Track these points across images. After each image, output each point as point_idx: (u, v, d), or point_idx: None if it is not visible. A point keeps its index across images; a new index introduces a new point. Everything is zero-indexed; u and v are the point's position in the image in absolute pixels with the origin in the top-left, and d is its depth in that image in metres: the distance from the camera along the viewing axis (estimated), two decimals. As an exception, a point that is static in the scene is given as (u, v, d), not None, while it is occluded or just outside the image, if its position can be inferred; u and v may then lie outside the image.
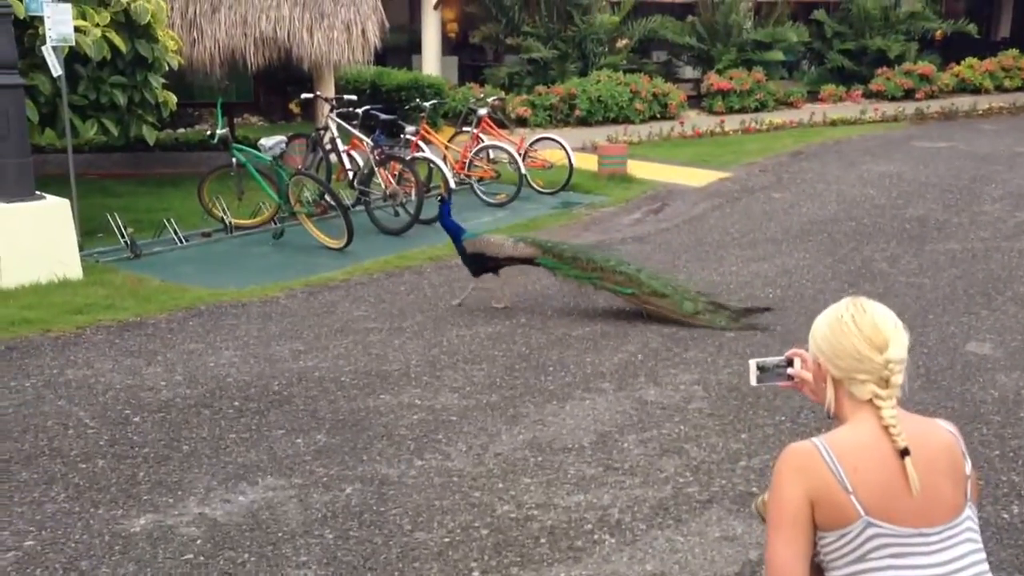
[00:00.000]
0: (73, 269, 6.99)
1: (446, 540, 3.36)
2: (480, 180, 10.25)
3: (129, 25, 8.21)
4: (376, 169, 8.92)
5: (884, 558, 1.81)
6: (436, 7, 16.85)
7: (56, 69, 7.47)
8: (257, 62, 11.68)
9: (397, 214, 8.91)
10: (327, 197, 8.46)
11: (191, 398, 4.66)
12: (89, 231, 8.22)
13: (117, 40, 7.98)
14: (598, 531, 3.45)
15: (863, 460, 1.82)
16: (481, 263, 6.25)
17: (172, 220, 8.39)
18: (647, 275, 6.06)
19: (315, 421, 4.40)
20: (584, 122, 15.19)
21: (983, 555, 1.89)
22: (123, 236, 7.91)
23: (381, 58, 15.05)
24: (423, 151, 9.71)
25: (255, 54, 11.61)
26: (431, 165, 9.45)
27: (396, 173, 9.03)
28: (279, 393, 4.75)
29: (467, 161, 10.23)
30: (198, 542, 3.29)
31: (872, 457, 1.83)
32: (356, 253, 7.96)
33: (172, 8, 11.25)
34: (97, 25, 7.92)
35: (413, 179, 8.80)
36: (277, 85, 15.85)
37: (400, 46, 17.95)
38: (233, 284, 6.90)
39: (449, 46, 18.29)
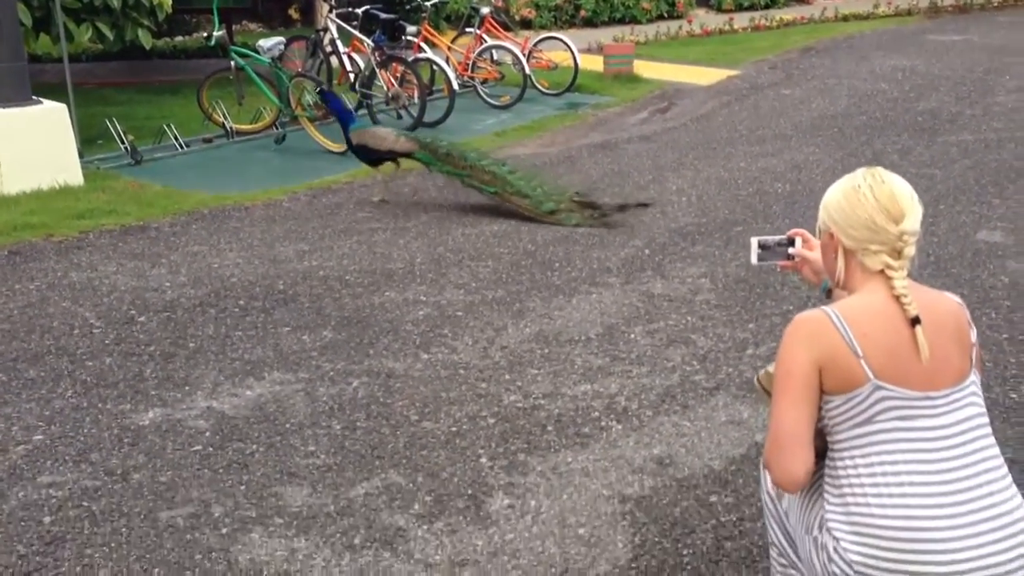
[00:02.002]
0: (74, 175, 6.92)
1: (453, 429, 3.37)
2: (484, 82, 10.05)
3: (120, -76, 7.98)
4: (377, 71, 8.74)
5: (891, 420, 1.83)
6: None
7: (46, -30, 7.27)
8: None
9: (400, 116, 8.78)
10: (328, 100, 8.31)
11: (196, 298, 4.64)
12: (89, 138, 8.12)
13: (109, -60, 7.76)
14: (605, 418, 3.45)
15: (873, 326, 1.84)
16: (366, 154, 6.46)
17: (172, 126, 8.27)
18: (517, 176, 6.15)
19: (320, 318, 4.39)
20: (590, 23, 14.84)
21: (986, 419, 1.91)
22: (123, 142, 7.81)
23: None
24: (425, 52, 9.51)
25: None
26: (434, 67, 9.26)
27: (398, 75, 8.85)
28: (284, 292, 4.74)
29: (470, 62, 10.02)
30: (206, 434, 3.31)
31: (882, 323, 1.84)
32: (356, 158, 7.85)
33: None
34: (88, -76, 7.69)
35: (415, 81, 8.63)
36: (275, -11, 15.48)
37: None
38: (236, 188, 6.83)
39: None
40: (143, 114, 9.87)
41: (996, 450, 1.87)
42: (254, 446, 3.24)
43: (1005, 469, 1.86)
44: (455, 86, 8.92)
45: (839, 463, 1.87)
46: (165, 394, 3.61)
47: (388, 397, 3.61)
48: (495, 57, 10.28)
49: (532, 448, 3.25)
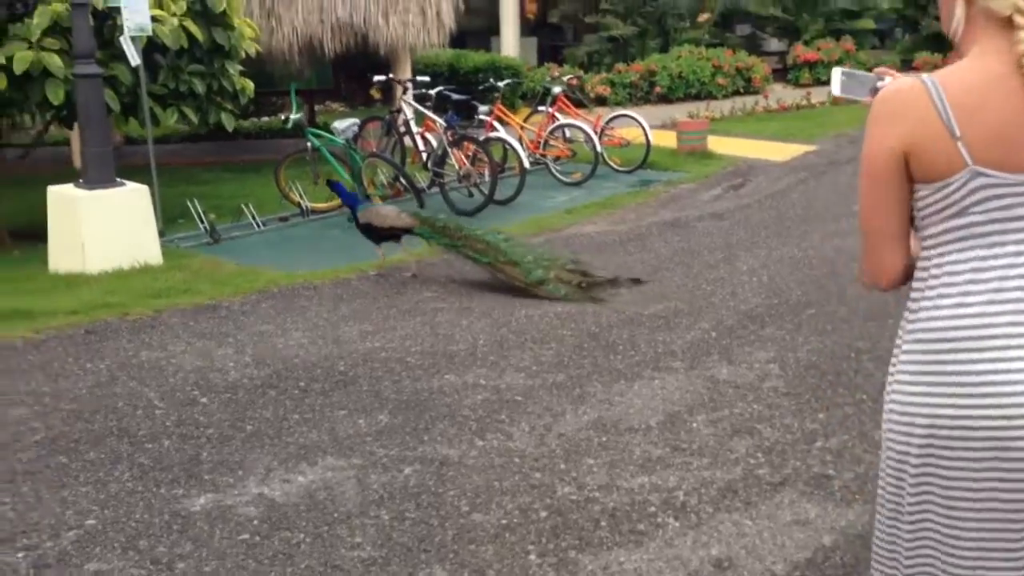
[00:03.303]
0: (153, 254, 7.12)
1: (503, 522, 3.27)
2: (556, 159, 10.11)
3: (205, 14, 8.32)
4: (449, 150, 8.87)
5: (989, 211, 1.57)
6: (513, -12, 16.71)
7: (134, 59, 7.61)
8: (334, 48, 11.78)
9: (471, 195, 8.86)
10: (401, 179, 8.46)
11: (258, 379, 4.67)
12: (172, 217, 8.39)
13: (194, 29, 8.09)
14: (662, 514, 3.32)
15: (981, 99, 1.55)
16: (372, 232, 6.67)
17: (250, 205, 8.49)
18: (511, 245, 6.25)
19: (378, 401, 4.36)
20: (665, 99, 14.92)
21: None
22: (202, 221, 8.04)
23: (460, 41, 15.03)
24: (498, 131, 9.63)
25: (332, 40, 11.72)
26: (506, 145, 9.35)
27: (470, 154, 8.97)
28: (344, 374, 4.73)
29: (542, 140, 10.10)
30: (255, 522, 3.27)
31: (993, 95, 1.55)
32: (430, 235, 7.93)
33: (251, -2, 11.42)
34: (174, 15, 8.04)
35: (487, 159, 8.72)
36: (357, 71, 15.95)
37: (479, 29, 17.89)
38: (307, 267, 6.94)
39: (528, 27, 18.15)
40: (226, 193, 10.19)
41: None
42: (301, 535, 3.19)
43: None
44: (526, 164, 8.98)
45: (924, 264, 1.64)
46: (218, 479, 3.61)
47: (440, 486, 3.53)
48: (567, 135, 10.35)
49: (584, 544, 3.13)
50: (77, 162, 9.39)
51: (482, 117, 9.52)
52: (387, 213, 6.71)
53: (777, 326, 5.30)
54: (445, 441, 3.92)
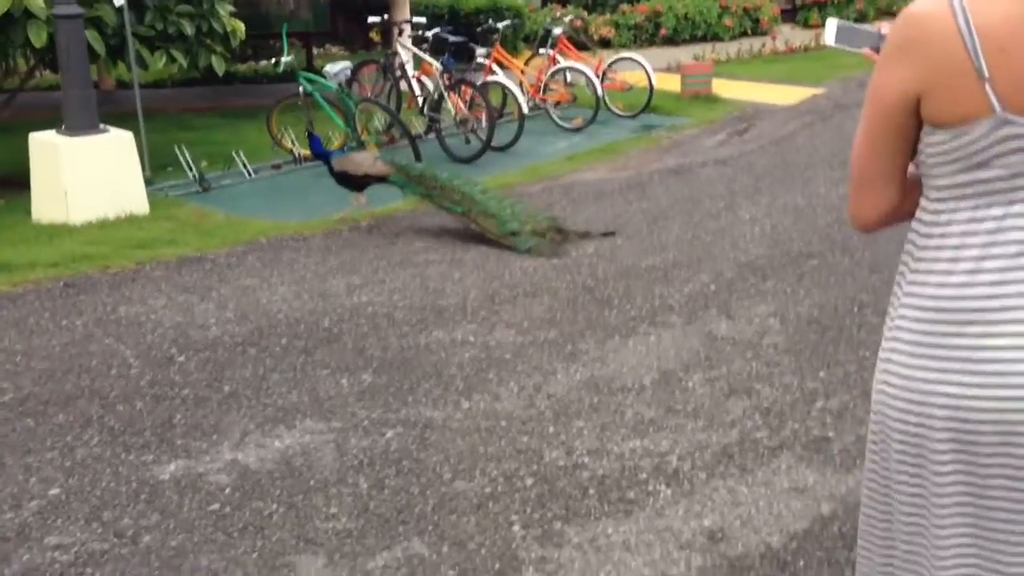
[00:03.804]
0: (139, 204, 6.92)
1: (487, 491, 3.12)
2: (556, 104, 9.82)
3: (194, -47, 8.02)
4: (446, 95, 8.60)
5: (1014, 165, 1.36)
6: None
7: (118, -1, 7.32)
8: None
9: (468, 141, 8.61)
10: (395, 126, 8.21)
11: (239, 336, 4.51)
12: (161, 165, 8.14)
13: (181, -32, 7.79)
14: (653, 481, 3.16)
15: (1015, 30, 1.32)
16: (346, 179, 6.55)
17: (242, 153, 8.26)
18: (488, 196, 6.12)
19: (362, 360, 4.20)
20: (671, 41, 14.52)
21: None
22: (191, 169, 7.82)
23: (461, -20, 14.60)
24: (496, 75, 9.34)
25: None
26: (505, 90, 9.07)
27: (467, 99, 8.69)
28: (329, 330, 4.57)
29: (542, 84, 9.80)
30: (226, 491, 3.13)
31: None
32: (425, 183, 7.71)
33: (243, -65, 11.04)
34: (160, -47, 7.74)
35: (484, 104, 8.45)
36: (355, 12, 15.55)
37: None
38: (298, 216, 6.74)
39: (530, -34, 17.63)
40: (219, 139, 9.93)
41: None
42: (274, 505, 3.05)
43: None
44: (525, 109, 8.71)
45: (931, 219, 1.44)
46: (191, 443, 3.46)
47: (422, 451, 3.38)
48: (568, 79, 10.05)
49: (570, 515, 2.98)
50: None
51: (480, 60, 9.22)
52: (361, 160, 6.56)
53: (778, 278, 5.11)
54: (430, 402, 3.76)
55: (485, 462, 3.30)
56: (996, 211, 1.39)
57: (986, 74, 1.32)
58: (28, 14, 6.99)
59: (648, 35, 14.64)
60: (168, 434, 3.53)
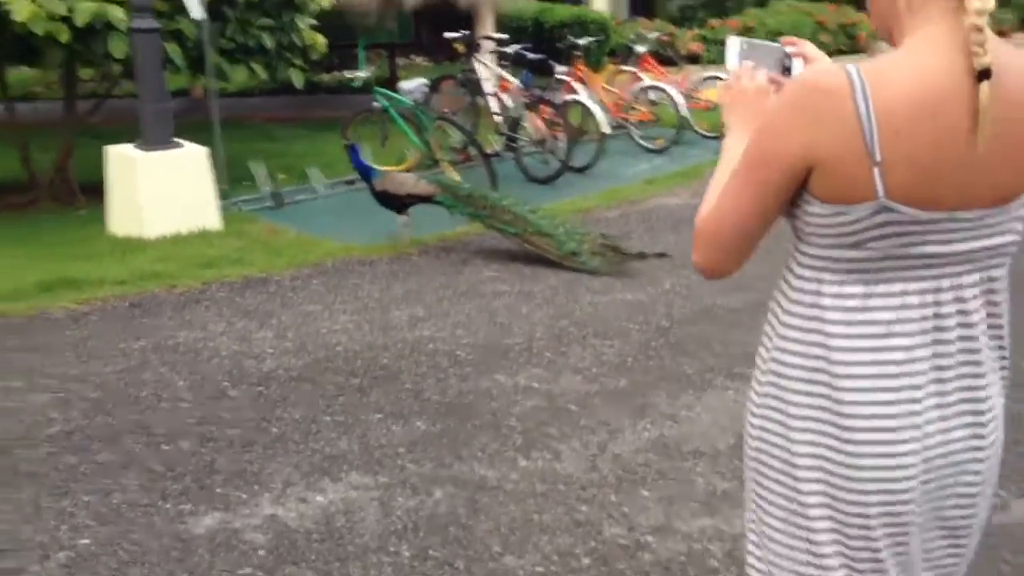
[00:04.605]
0: (212, 219, 6.86)
1: (539, 570, 2.86)
2: (638, 123, 9.52)
3: (276, -35, 7.96)
4: (524, 113, 8.37)
5: (886, 248, 1.31)
6: (606, -64, 15.96)
7: (194, 12, 7.28)
8: (413, 2, 11.32)
9: (546, 162, 8.37)
10: (470, 144, 8.02)
11: (294, 369, 4.34)
12: (240, 178, 8.09)
13: (262, -20, 7.74)
14: (724, 570, 2.86)
15: (913, 114, 1.24)
16: (389, 200, 6.35)
17: (317, 169, 8.16)
18: (539, 216, 6.02)
19: (418, 404, 3.98)
20: (761, 57, 14.05)
21: (1009, 258, 1.38)
22: (266, 185, 7.76)
23: (551, -10, 14.42)
24: (577, 93, 9.08)
25: (412, -8, 11.26)
26: (585, 109, 8.80)
27: (546, 117, 8.46)
28: (387, 367, 4.37)
29: (625, 103, 9.51)
30: (260, 552, 2.94)
31: (929, 109, 1.25)
32: (500, 204, 7.50)
33: (330, -54, 11.03)
34: (243, -34, 7.69)
35: (563, 123, 8.21)
36: (439, 23, 15.47)
37: (570, -22, 17.19)
38: (367, 237, 6.58)
39: (621, -23, 17.36)
40: (300, 150, 9.91)
41: (1004, 298, 1.40)
42: (309, 573, 2.84)
43: (1004, 332, 1.41)
44: (605, 129, 8.43)
45: (801, 286, 1.40)
46: (231, 493, 3.28)
47: (472, 517, 3.14)
48: (652, 97, 9.74)
49: (629, 604, 2.70)
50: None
51: (560, 77, 8.98)
52: (403, 180, 6.40)
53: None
54: (485, 459, 3.52)
55: (539, 534, 3.04)
56: (859, 288, 1.35)
57: (877, 158, 1.26)
58: (109, 26, 7.00)
59: (738, 51, 14.22)
60: (209, 480, 3.36)
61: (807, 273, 1.39)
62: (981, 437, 1.40)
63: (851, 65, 1.28)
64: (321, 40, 8.67)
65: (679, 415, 3.86)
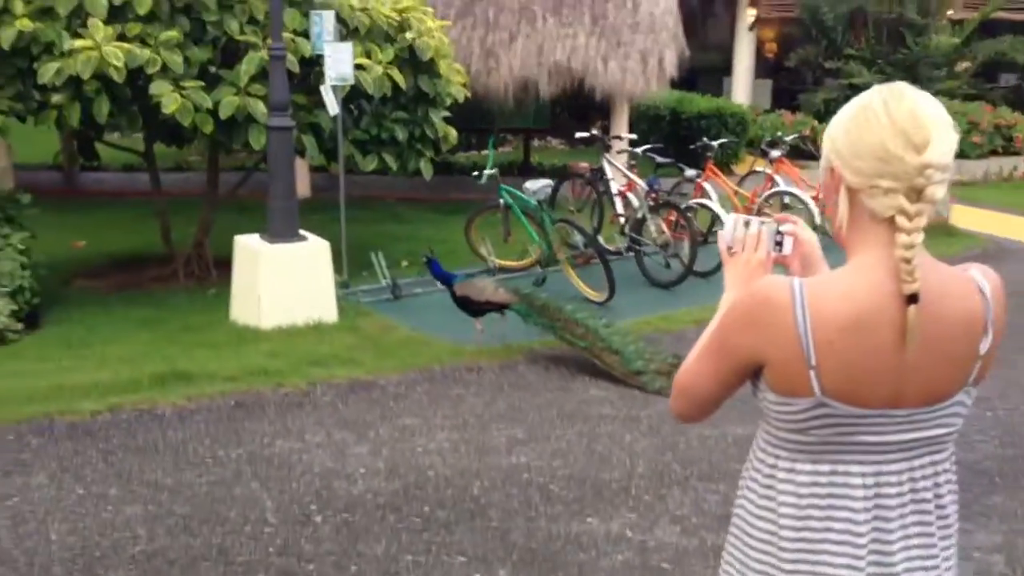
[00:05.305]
0: (329, 312, 6.94)
1: None
2: (771, 229, 9.19)
3: (413, 61, 8.13)
4: (649, 216, 8.21)
5: (827, 436, 1.51)
6: (751, 28, 15.81)
7: (333, 108, 7.48)
8: (549, 91, 11.41)
9: (668, 266, 8.16)
10: (591, 246, 7.90)
11: (383, 496, 4.25)
12: (363, 263, 8.18)
13: (398, 77, 7.89)
14: None
15: (845, 328, 1.45)
16: (467, 305, 6.42)
17: (438, 258, 8.17)
18: (611, 332, 5.96)
19: (503, 548, 3.81)
20: (908, 156, 13.46)
21: (951, 439, 1.55)
22: (385, 276, 7.84)
23: (690, 80, 14.32)
24: (707, 195, 8.88)
25: (548, 83, 11.34)
26: (713, 214, 8.58)
27: (672, 220, 8.27)
28: (476, 500, 4.22)
29: (755, 207, 9.22)
30: None
31: (861, 326, 1.45)
32: (618, 308, 7.33)
33: (472, 38, 11.26)
34: (380, 62, 7.87)
35: (688, 227, 8.00)
36: (575, 108, 15.57)
37: (711, 66, 17.07)
38: (483, 338, 6.47)
39: (764, 67, 17.11)
40: (426, 235, 10.00)
41: (946, 479, 1.56)
42: None
43: (949, 511, 1.56)
44: (734, 236, 8.16)
45: (764, 459, 1.60)
46: (297, 642, 3.18)
47: None
48: (786, 201, 9.41)
49: None
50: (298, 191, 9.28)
51: (689, 178, 8.79)
52: (483, 287, 6.50)
53: (1010, 493, 4.29)
54: (563, 624, 3.31)
55: None
56: (808, 467, 1.53)
57: (812, 362, 1.46)
58: (250, 118, 7.26)
59: (884, 148, 13.69)
60: (277, 625, 3.27)
61: (768, 448, 1.59)
62: None
63: (796, 280, 1.49)
64: (453, 132, 8.78)
65: (781, 589, 3.55)
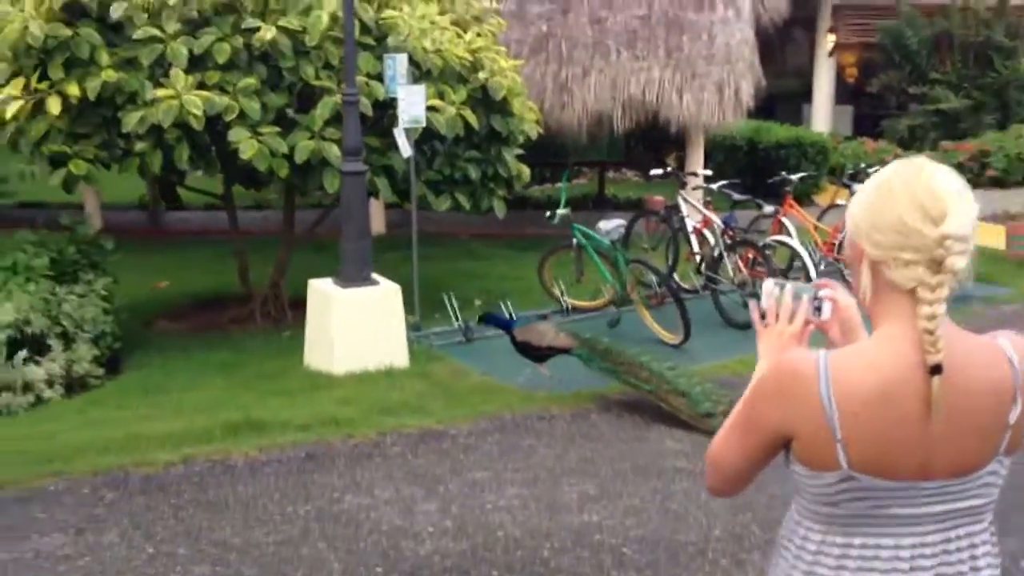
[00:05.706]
0: (400, 356, 6.93)
1: None
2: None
3: (486, 100, 8.12)
4: (725, 255, 8.03)
5: (859, 508, 1.52)
6: (831, 54, 15.48)
7: (405, 150, 7.51)
8: (624, 125, 11.31)
9: (745, 304, 7.95)
10: (664, 286, 7.75)
11: (449, 557, 4.16)
12: (435, 304, 8.15)
13: (471, 117, 7.88)
14: None
15: (870, 400, 1.46)
16: (528, 350, 6.35)
17: (509, 303, 8.11)
18: (676, 374, 5.85)
19: (572, 618, 3.69)
20: (998, 183, 12.98)
21: (988, 511, 1.55)
22: (457, 319, 7.80)
23: (768, 108, 14.08)
24: (785, 231, 8.64)
25: (622, 117, 11.24)
26: (792, 252, 8.34)
27: (750, 258, 8.07)
28: (546, 563, 4.11)
29: (837, 242, 8.94)
30: None
31: (885, 397, 1.46)
32: (693, 351, 7.17)
33: (545, 73, 11.23)
34: (453, 103, 7.88)
35: (766, 265, 7.79)
36: (650, 141, 15.41)
37: (790, 92, 16.75)
38: (551, 383, 6.36)
39: (845, 93, 16.73)
40: (500, 272, 9.99)
41: (984, 551, 1.55)
42: None
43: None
44: (812, 273, 7.91)
45: (797, 530, 1.63)
46: None
47: None
48: (870, 236, 9.10)
49: None
50: (372, 227, 9.32)
51: (766, 215, 8.57)
52: (544, 331, 6.41)
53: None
54: None
55: None
56: (840, 539, 1.55)
57: (838, 436, 1.47)
58: (324, 162, 7.33)
59: (972, 175, 13.18)
60: None
61: (802, 520, 1.61)
62: None
63: (822, 352, 1.51)
64: (526, 171, 8.73)
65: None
